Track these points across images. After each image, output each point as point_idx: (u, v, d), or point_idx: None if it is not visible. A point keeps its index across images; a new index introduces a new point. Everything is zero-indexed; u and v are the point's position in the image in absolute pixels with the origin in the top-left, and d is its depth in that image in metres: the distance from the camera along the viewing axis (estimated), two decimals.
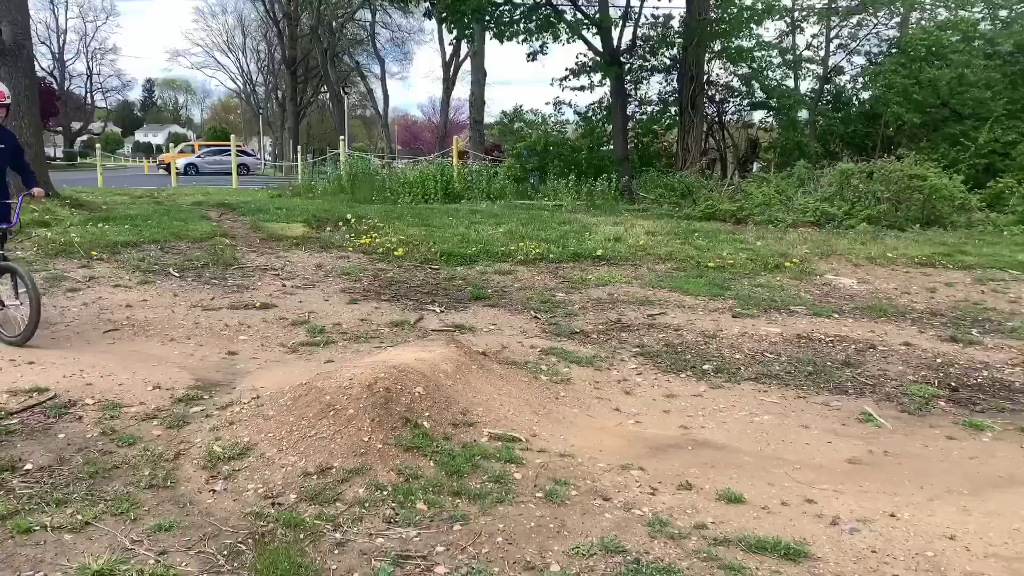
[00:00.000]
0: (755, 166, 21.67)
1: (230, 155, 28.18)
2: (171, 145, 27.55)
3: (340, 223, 11.25)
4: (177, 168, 29.45)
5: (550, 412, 4.63)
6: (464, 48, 40.04)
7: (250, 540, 2.91)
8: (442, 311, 7.19)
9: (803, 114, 20.37)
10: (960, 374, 5.52)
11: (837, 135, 19.56)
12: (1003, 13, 19.28)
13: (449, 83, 46.88)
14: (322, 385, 4.13)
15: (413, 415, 4.02)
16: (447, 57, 46.33)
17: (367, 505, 3.27)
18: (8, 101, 5.88)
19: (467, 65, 38.24)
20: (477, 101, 32.68)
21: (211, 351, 5.87)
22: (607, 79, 20.69)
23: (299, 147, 37.54)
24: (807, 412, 4.82)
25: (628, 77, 21.67)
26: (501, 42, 18.71)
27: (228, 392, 4.73)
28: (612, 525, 3.21)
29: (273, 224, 11.21)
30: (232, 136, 34.18)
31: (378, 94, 54.71)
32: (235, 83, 70.64)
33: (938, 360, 5.84)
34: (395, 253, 9.65)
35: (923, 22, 19.19)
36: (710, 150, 22.71)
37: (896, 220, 12.82)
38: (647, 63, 21.85)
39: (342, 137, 23.21)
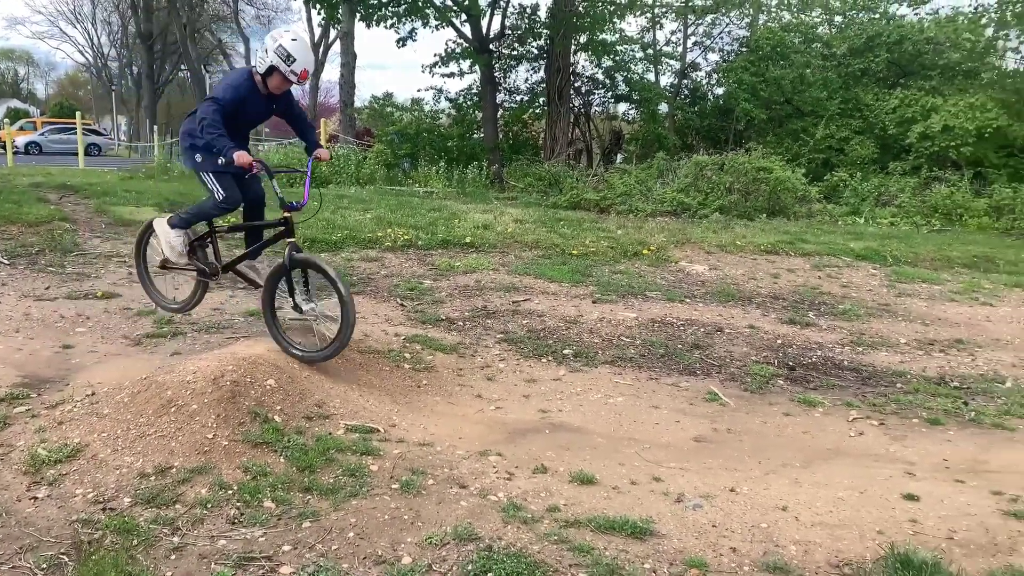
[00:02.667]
0: (619, 157, 22.39)
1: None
2: (6, 121, 24.95)
3: None
4: (16, 147, 26.92)
5: (411, 401, 4.58)
6: (334, 29, 38.96)
7: (73, 550, 2.69)
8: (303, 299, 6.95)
9: (663, 108, 21.19)
10: (797, 354, 5.92)
11: (694, 128, 20.51)
12: (838, 19, 20.83)
13: (318, 65, 45.44)
14: (163, 379, 3.89)
15: (263, 409, 3.87)
16: (316, 38, 44.86)
17: (209, 506, 3.10)
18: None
19: (338, 47, 37.22)
20: (347, 84, 31.78)
21: (43, 345, 5.39)
22: (477, 67, 20.74)
23: (155, 127, 35.27)
24: (658, 393, 5.02)
25: (497, 66, 21.81)
26: (368, 26, 18.38)
27: (59, 389, 4.37)
28: (467, 513, 3.21)
29: (120, 208, 10.47)
30: (79, 113, 31.64)
31: None
32: (84, 56, 65.36)
33: (778, 341, 6.23)
34: None
35: (770, 23, 20.39)
36: (576, 140, 23.27)
37: (745, 210, 13.60)
38: (516, 52, 22.06)
39: None
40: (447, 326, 6.37)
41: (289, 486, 3.32)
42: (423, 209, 11.99)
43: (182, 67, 49.10)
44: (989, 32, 18.50)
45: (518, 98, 23.14)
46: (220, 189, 4.58)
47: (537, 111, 22.18)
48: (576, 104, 22.46)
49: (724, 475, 3.72)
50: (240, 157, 4.21)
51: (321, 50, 45.47)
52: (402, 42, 19.69)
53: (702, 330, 6.52)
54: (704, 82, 21.72)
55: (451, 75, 21.12)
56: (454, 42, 20.62)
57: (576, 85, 22.31)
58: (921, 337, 6.59)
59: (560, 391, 4.99)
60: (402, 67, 77.08)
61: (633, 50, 21.80)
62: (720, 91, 20.51)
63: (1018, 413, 4.73)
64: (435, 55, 20.63)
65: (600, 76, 21.77)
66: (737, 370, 5.53)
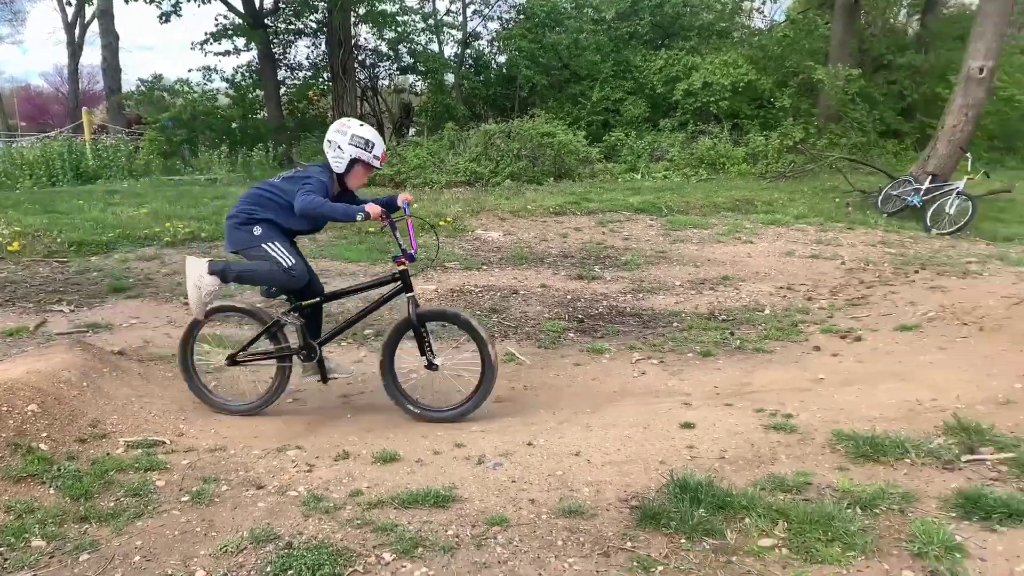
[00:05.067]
0: (411, 131, 22.25)
1: None
2: None
3: None
4: None
5: (200, 406, 4.32)
6: (89, 7, 35.16)
7: None
8: (72, 310, 6.32)
9: (449, 78, 21.27)
10: (585, 306, 6.25)
11: (481, 98, 20.79)
12: None
13: (76, 48, 40.89)
14: None
15: (25, 439, 3.48)
16: (70, 18, 40.30)
17: None
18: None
19: (96, 27, 33.64)
20: (111, 68, 28.94)
21: None
22: (252, 43, 19.66)
23: None
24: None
25: (275, 41, 20.80)
26: (127, 1, 16.74)
27: None
28: (265, 513, 3.10)
29: None
30: None
31: None
32: None
33: (568, 297, 6.55)
34: (9, 248, 8.24)
35: None
36: (367, 115, 22.83)
37: (534, 175, 14.07)
38: (294, 27, 21.13)
39: None
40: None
41: (62, 519, 3.03)
42: (206, 198, 11.29)
43: None
44: None
45: (301, 74, 22.28)
46: (289, 257, 4.09)
47: (323, 87, 21.46)
48: (362, 78, 21.98)
49: (522, 431, 3.87)
50: (372, 209, 3.90)
51: (77, 32, 41.03)
52: (165, 18, 18.19)
53: (499, 294, 6.70)
54: (486, 51, 22.03)
55: (225, 53, 19.86)
56: (224, 17, 19.38)
57: (360, 58, 21.82)
58: (693, 278, 7.20)
59: (361, 373, 4.93)
60: (176, 46, 71.38)
61: (415, 21, 21.62)
62: (502, 59, 20.91)
63: (775, 336, 5.31)
64: (206, 33, 19.30)
65: (384, 48, 21.42)
66: (532, 329, 5.75)
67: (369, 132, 4.14)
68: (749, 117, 16.78)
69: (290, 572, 2.65)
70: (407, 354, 4.31)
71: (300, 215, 3.98)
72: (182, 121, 18.15)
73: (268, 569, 2.68)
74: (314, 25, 21.09)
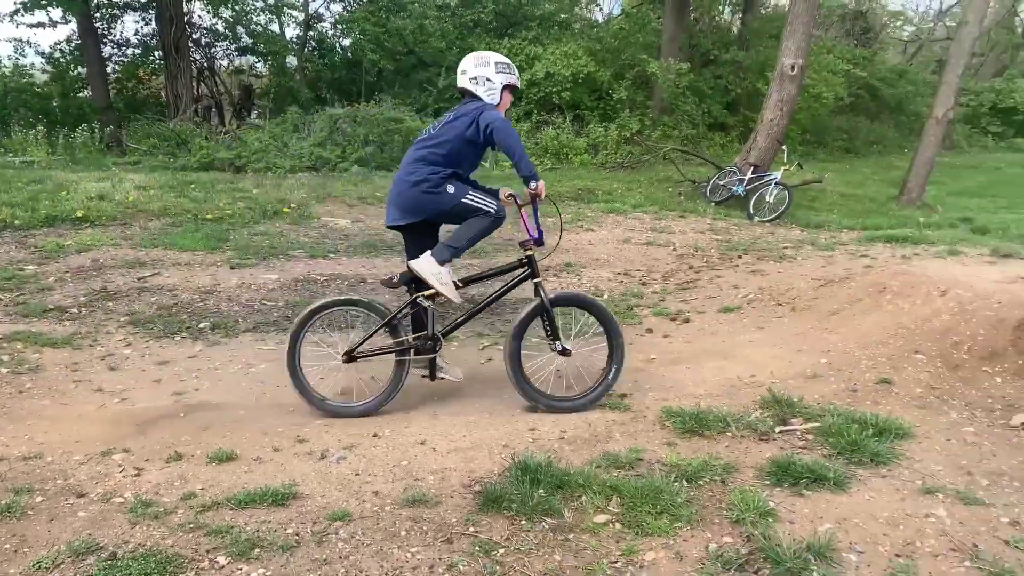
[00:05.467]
0: (254, 113, 21.27)
1: None
2: None
3: None
4: None
5: (11, 410, 3.96)
6: None
7: None
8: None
9: (291, 61, 20.51)
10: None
11: (325, 81, 20.20)
12: None
13: None
14: None
15: None
16: None
17: None
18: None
19: None
20: None
21: None
22: (71, 16, 18.04)
23: None
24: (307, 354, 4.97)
25: (98, 15, 19.21)
26: None
27: None
28: (86, 523, 2.89)
29: None
30: None
31: None
32: None
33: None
34: None
35: None
36: (204, 97, 21.57)
37: (383, 160, 13.86)
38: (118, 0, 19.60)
39: None
40: (57, 316, 5.59)
41: None
42: (20, 182, 10.25)
43: None
44: None
45: (129, 52, 20.72)
46: (491, 200, 4.00)
47: (154, 66, 20.07)
48: (198, 58, 20.75)
49: (368, 422, 3.84)
50: (541, 184, 3.90)
51: None
52: None
53: (346, 283, 6.57)
54: (330, 34, 21.41)
55: (39, 25, 18.10)
56: None
57: (195, 37, 20.58)
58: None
59: (197, 368, 4.70)
60: None
61: (254, 0, 20.64)
62: (348, 42, 20.39)
63: None
64: (15, 1, 17.47)
65: (221, 28, 20.31)
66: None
67: (504, 56, 4.18)
68: (589, 108, 17.34)
69: None
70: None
71: (499, 135, 3.79)
72: None
73: None
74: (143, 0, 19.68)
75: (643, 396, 3.96)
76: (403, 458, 3.41)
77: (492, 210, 4.01)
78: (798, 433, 3.41)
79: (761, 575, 2.45)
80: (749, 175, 12.09)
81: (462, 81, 4.12)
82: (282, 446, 3.58)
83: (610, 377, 4.03)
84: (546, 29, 19.58)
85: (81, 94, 18.87)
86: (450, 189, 4.00)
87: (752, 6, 20.69)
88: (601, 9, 22.11)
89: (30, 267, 6.82)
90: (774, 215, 11.16)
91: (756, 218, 11.16)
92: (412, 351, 4.10)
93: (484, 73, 4.08)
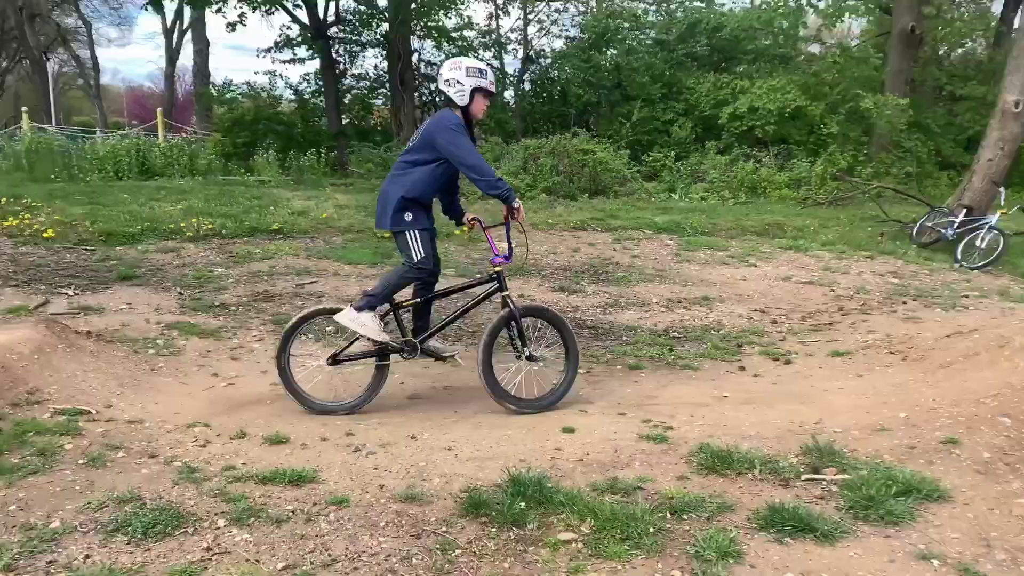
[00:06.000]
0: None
1: None
2: None
3: None
4: None
5: (139, 383, 4.67)
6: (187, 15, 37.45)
7: None
8: (76, 294, 6.83)
9: (508, 94, 21.64)
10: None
11: (538, 114, 21.05)
12: (674, 6, 21.94)
13: (173, 52, 43.53)
14: None
15: None
16: (168, 24, 42.98)
17: None
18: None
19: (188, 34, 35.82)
20: (200, 71, 31.00)
21: None
22: (316, 53, 20.54)
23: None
24: (400, 362, 5.30)
25: (339, 51, 21.66)
26: (193, 9, 17.80)
27: None
28: (143, 479, 3.37)
29: None
30: None
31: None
32: None
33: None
34: (44, 235, 8.93)
35: (599, 10, 21.17)
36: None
37: (570, 190, 14.19)
38: (357, 38, 21.96)
39: (25, 109, 20.73)
40: (218, 311, 6.44)
41: None
42: (243, 198, 11.86)
43: (22, 54, 45.74)
44: (811, 20, 20.06)
45: (365, 84, 23.10)
46: (421, 248, 4.34)
47: (382, 98, 22.19)
48: (424, 91, 22.61)
49: (416, 425, 4.04)
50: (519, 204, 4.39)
51: (175, 37, 43.59)
52: (231, 27, 19.22)
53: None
54: (547, 68, 22.31)
55: (290, 61, 20.83)
56: (288, 27, 20.36)
57: (423, 72, 22.46)
58: (672, 296, 7.20)
59: (304, 366, 5.19)
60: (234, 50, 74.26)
61: (477, 37, 22.15)
62: (560, 76, 21.14)
63: (711, 355, 5.31)
64: (275, 40, 20.33)
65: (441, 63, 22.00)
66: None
67: (479, 62, 4.50)
68: (798, 143, 16.45)
69: (128, 527, 2.90)
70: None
71: (468, 172, 4.23)
72: (244, 123, 19.07)
73: (112, 524, 2.94)
74: (380, 38, 21.88)
75: (691, 430, 3.78)
76: (424, 460, 3.56)
77: (413, 260, 4.31)
78: (825, 483, 3.08)
79: None
80: (961, 217, 10.82)
81: (440, 84, 4.38)
82: (331, 437, 3.89)
83: (566, 381, 4.39)
84: (766, 63, 18.94)
85: (318, 122, 21.29)
86: (407, 217, 4.30)
87: (1002, 40, 18.47)
88: (823, 43, 20.91)
89: (219, 269, 7.90)
90: (984, 262, 9.88)
91: (964, 264, 9.94)
92: (389, 356, 4.45)
93: (455, 76, 4.28)
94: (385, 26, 20.81)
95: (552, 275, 8.22)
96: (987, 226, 10.20)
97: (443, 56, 22.45)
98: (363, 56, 22.83)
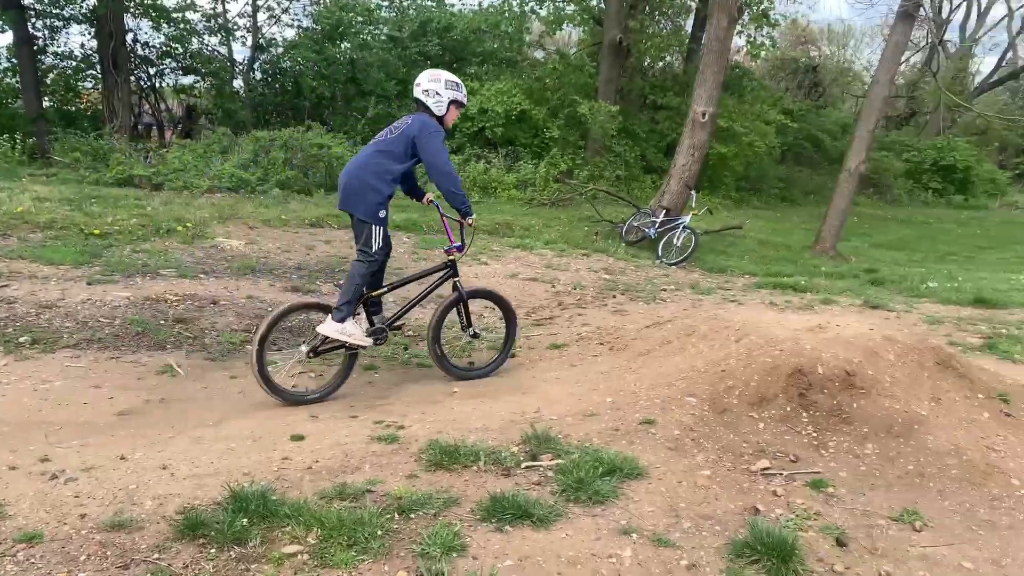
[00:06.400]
0: (200, 133, 21.14)
1: None
2: None
3: None
4: None
5: None
6: None
7: None
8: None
9: (237, 83, 20.49)
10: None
11: (269, 105, 20.20)
12: (406, 3, 22.14)
13: None
14: None
15: None
16: None
17: None
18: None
19: None
20: None
21: None
22: (8, 25, 17.88)
23: None
24: (111, 372, 4.85)
25: (37, 24, 19.06)
26: None
27: None
28: None
29: None
30: None
31: None
32: None
33: (269, 308, 6.42)
34: None
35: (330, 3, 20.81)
36: (145, 114, 21.43)
37: (305, 185, 13.81)
38: (59, 12, 19.45)
39: None
40: None
41: None
42: None
43: None
44: (535, 26, 21.30)
45: (72, 64, 20.54)
46: (380, 240, 4.63)
47: (92, 80, 19.91)
48: (140, 75, 20.64)
49: (125, 444, 3.71)
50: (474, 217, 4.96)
51: None
52: None
53: (195, 304, 6.45)
54: (279, 58, 21.42)
55: None
56: None
57: (139, 54, 20.48)
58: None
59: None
60: None
61: (201, 20, 20.66)
62: (293, 67, 20.41)
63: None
64: None
65: (163, 46, 20.25)
66: (211, 340, 5.59)
67: (455, 76, 4.84)
68: (524, 145, 17.50)
69: None
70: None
71: (440, 177, 4.54)
72: None
73: None
74: (88, 14, 19.56)
75: (422, 428, 3.88)
76: (135, 482, 3.29)
77: (371, 250, 4.61)
78: (542, 469, 3.35)
79: None
80: (661, 218, 12.22)
81: (416, 92, 4.73)
82: (21, 464, 3.45)
83: (506, 351, 5.19)
84: (494, 66, 19.81)
85: (12, 104, 18.63)
86: (381, 214, 4.60)
87: (692, 56, 21.14)
88: (545, 49, 22.43)
89: None
90: (680, 258, 11.27)
91: (663, 260, 11.25)
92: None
93: (434, 87, 4.69)
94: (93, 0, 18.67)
95: (284, 274, 7.96)
96: (682, 226, 11.64)
97: (162, 37, 20.70)
98: (67, 32, 20.32)
